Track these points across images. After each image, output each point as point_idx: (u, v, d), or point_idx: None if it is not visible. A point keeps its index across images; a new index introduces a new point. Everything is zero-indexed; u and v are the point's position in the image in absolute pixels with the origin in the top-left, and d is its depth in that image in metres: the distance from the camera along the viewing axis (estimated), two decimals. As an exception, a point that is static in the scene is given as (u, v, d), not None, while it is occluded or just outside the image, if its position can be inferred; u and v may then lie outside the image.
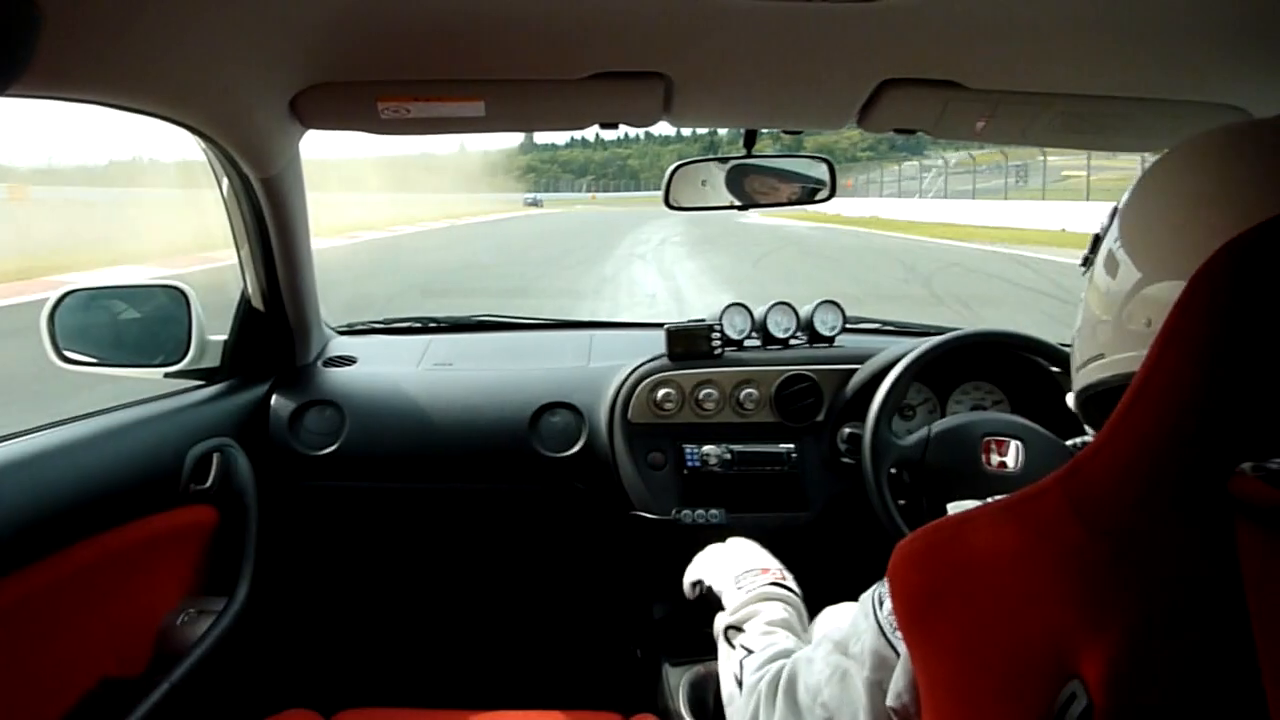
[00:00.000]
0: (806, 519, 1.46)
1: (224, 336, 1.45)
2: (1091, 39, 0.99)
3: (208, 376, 1.42)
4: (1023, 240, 15.99)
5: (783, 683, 0.74)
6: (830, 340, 1.61)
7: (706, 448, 1.48)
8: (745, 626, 0.90)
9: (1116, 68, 1.07)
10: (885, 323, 1.80)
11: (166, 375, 1.36)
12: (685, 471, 1.48)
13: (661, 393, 1.50)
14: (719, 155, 1.41)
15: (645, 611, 1.57)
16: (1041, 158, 22.72)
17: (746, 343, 1.60)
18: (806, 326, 1.61)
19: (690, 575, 1.06)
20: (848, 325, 1.63)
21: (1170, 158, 0.56)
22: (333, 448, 1.50)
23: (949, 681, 0.53)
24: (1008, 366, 1.52)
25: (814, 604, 1.15)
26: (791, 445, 1.50)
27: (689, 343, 1.54)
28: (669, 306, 9.25)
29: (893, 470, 1.34)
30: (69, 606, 1.00)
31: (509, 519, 1.62)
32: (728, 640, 0.90)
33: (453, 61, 1.04)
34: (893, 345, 1.49)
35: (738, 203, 1.42)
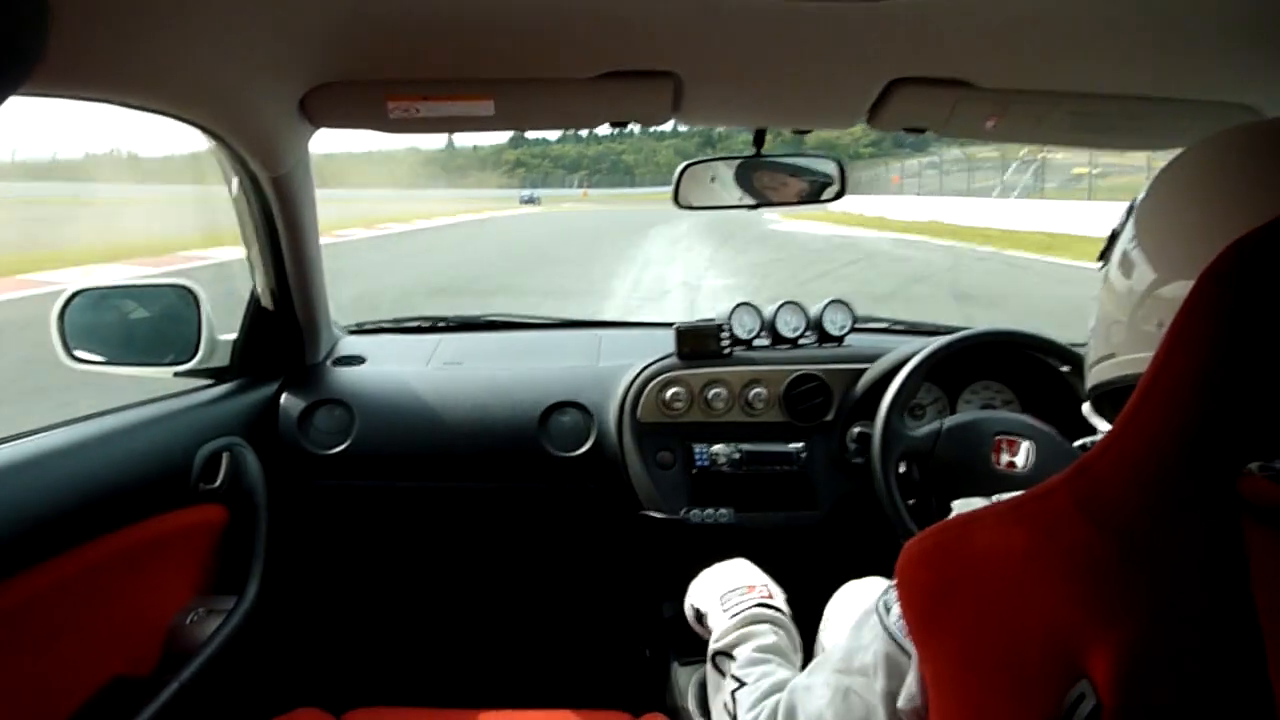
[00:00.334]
0: (815, 518, 1.46)
1: (233, 335, 1.45)
2: (1102, 38, 0.98)
3: (217, 375, 1.43)
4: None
5: (781, 716, 0.72)
6: (839, 339, 1.60)
7: (715, 447, 1.48)
8: (735, 653, 0.86)
9: (1127, 67, 1.06)
10: (894, 322, 1.79)
11: (176, 374, 1.37)
12: (694, 471, 1.48)
13: (670, 392, 1.49)
14: (727, 154, 1.41)
15: (654, 611, 1.57)
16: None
17: (755, 342, 1.59)
18: (815, 326, 1.61)
19: (688, 602, 1.03)
20: (857, 325, 1.63)
21: (1184, 158, 0.55)
22: (342, 447, 1.50)
23: (956, 681, 0.53)
24: (1018, 366, 1.51)
25: (819, 606, 1.14)
26: (800, 445, 1.49)
27: (698, 342, 1.54)
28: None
29: (901, 469, 1.34)
30: (78, 605, 1.00)
31: (517, 518, 1.62)
32: (717, 667, 0.87)
33: (462, 60, 1.04)
34: (902, 345, 1.49)
35: (749, 200, 1.42)
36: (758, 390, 1.50)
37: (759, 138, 1.37)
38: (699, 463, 1.48)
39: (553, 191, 71.12)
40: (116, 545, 1.05)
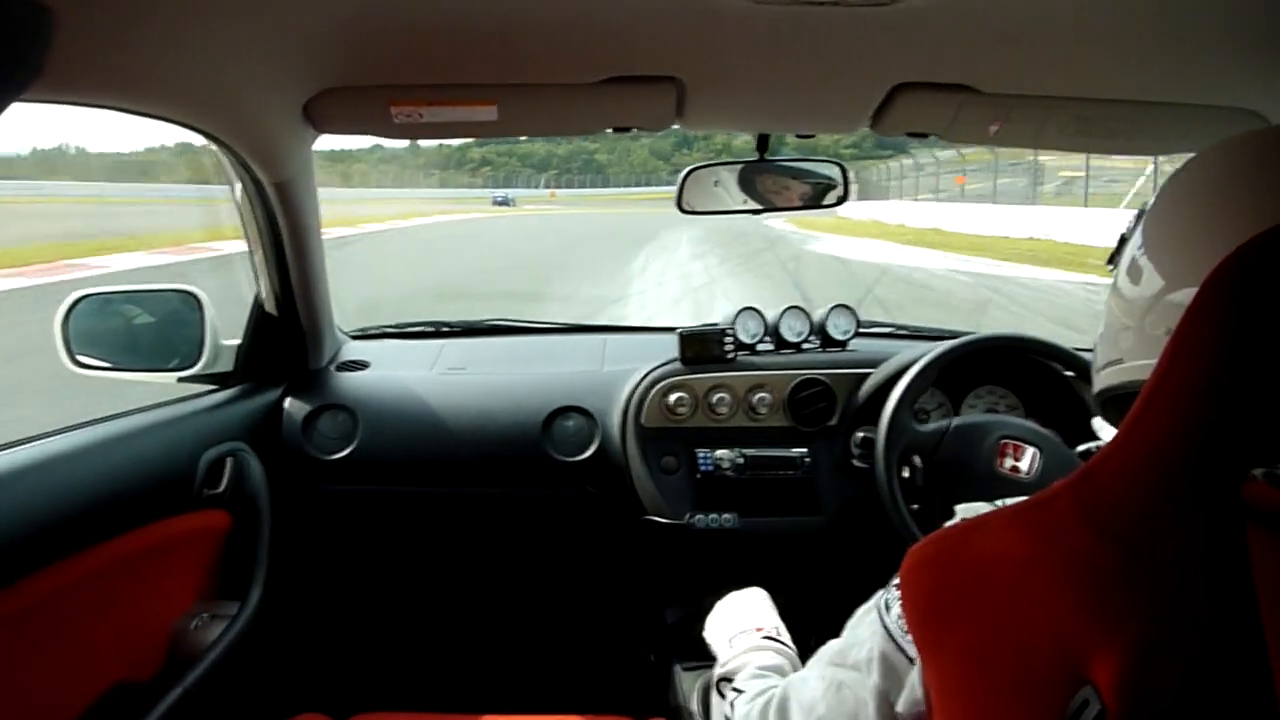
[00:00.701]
0: (819, 524, 1.45)
1: (237, 340, 1.45)
2: (1105, 43, 0.98)
3: (221, 381, 1.43)
4: None
5: (774, 706, 0.73)
6: (843, 344, 1.60)
7: (719, 452, 1.48)
8: (736, 677, 0.89)
9: (1129, 72, 1.06)
10: (898, 327, 1.79)
11: (180, 380, 1.37)
12: (698, 476, 1.47)
13: (674, 397, 1.49)
14: (730, 158, 1.41)
15: (658, 615, 1.57)
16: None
17: (759, 347, 1.59)
18: (819, 330, 1.60)
19: (704, 636, 1.06)
20: (861, 329, 1.62)
21: (1192, 164, 0.55)
22: (346, 452, 1.50)
23: (960, 687, 0.53)
24: (1023, 371, 1.51)
25: (822, 609, 1.14)
26: (804, 450, 1.49)
27: (702, 347, 1.54)
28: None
29: (905, 474, 1.33)
30: (82, 610, 1.00)
31: (521, 523, 1.62)
32: (719, 692, 0.89)
33: (465, 66, 1.04)
34: (905, 349, 1.49)
35: (752, 205, 1.42)
36: (762, 395, 1.50)
37: (762, 142, 1.37)
38: (703, 468, 1.48)
39: (521, 191, 66.39)
40: (120, 550, 1.05)
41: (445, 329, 1.88)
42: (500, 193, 55.30)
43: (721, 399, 1.50)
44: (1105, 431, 0.64)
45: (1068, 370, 1.42)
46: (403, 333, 1.86)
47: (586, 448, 1.52)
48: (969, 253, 15.21)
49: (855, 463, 1.46)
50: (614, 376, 1.59)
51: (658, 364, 1.55)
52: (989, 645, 0.50)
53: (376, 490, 1.54)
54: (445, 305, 8.79)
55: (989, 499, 0.67)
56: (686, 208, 1.42)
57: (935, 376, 1.36)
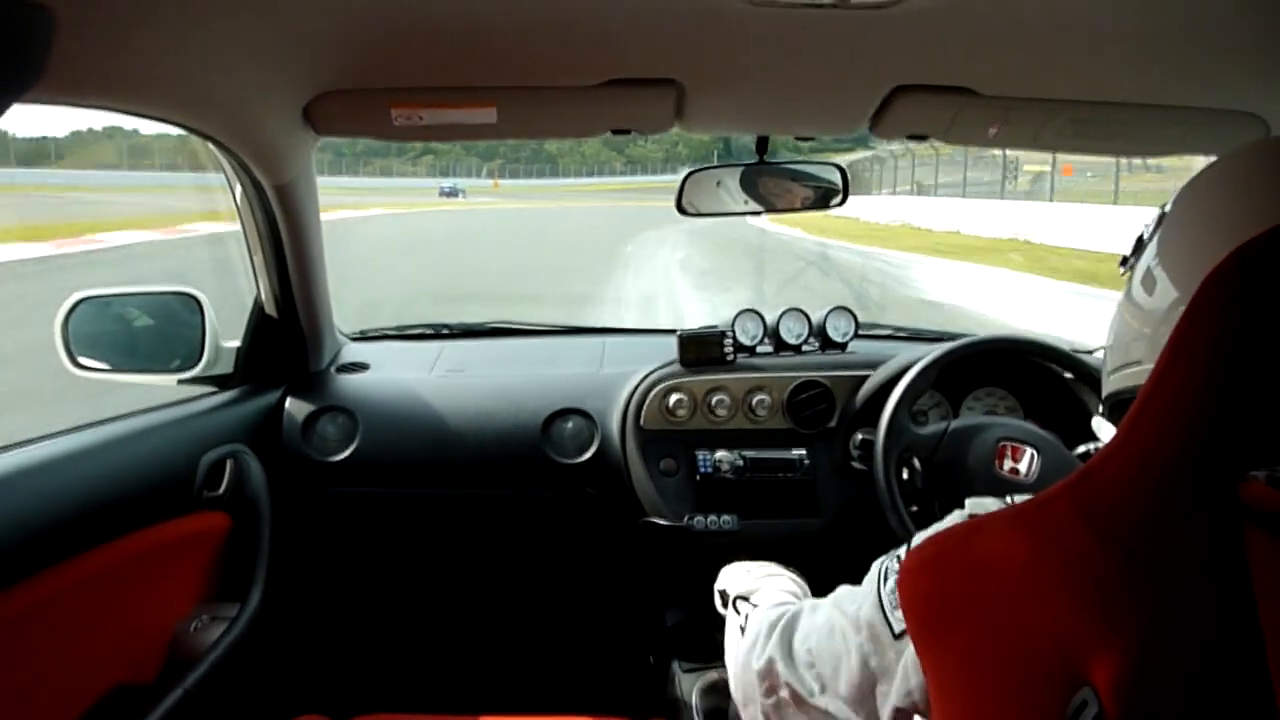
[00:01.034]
0: (819, 526, 1.45)
1: (237, 343, 1.45)
2: (1105, 46, 0.98)
3: (221, 383, 1.43)
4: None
5: (783, 623, 0.75)
6: (843, 346, 1.60)
7: (719, 454, 1.48)
8: (754, 598, 0.90)
9: (1129, 75, 1.06)
10: (898, 329, 1.79)
11: (180, 382, 1.37)
12: (697, 478, 1.47)
13: (674, 399, 1.49)
14: (731, 161, 1.41)
15: (658, 617, 1.57)
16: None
17: (759, 349, 1.59)
18: (819, 332, 1.60)
19: (718, 585, 1.07)
20: (860, 331, 1.62)
21: (1207, 172, 0.55)
22: (346, 454, 1.50)
23: (959, 687, 0.53)
24: (1022, 373, 1.51)
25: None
26: (804, 451, 1.49)
27: (701, 349, 1.54)
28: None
29: (904, 475, 1.33)
30: (82, 612, 1.00)
31: (521, 524, 1.62)
32: (735, 608, 0.90)
33: (465, 69, 1.04)
34: (904, 351, 1.49)
35: (753, 206, 1.42)
36: (761, 397, 1.50)
37: (762, 144, 1.37)
38: (702, 469, 1.47)
39: (466, 181, 59.13)
40: (121, 552, 1.05)
41: (445, 331, 1.88)
42: (448, 183, 51.07)
43: (721, 401, 1.50)
44: (1105, 433, 0.64)
45: (1067, 372, 1.42)
46: (403, 334, 1.86)
47: (586, 449, 1.52)
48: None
49: (854, 464, 1.46)
50: (613, 378, 1.59)
51: (657, 366, 1.55)
52: (989, 646, 0.50)
53: (376, 492, 1.54)
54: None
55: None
56: (689, 209, 1.42)
57: (934, 378, 1.36)
